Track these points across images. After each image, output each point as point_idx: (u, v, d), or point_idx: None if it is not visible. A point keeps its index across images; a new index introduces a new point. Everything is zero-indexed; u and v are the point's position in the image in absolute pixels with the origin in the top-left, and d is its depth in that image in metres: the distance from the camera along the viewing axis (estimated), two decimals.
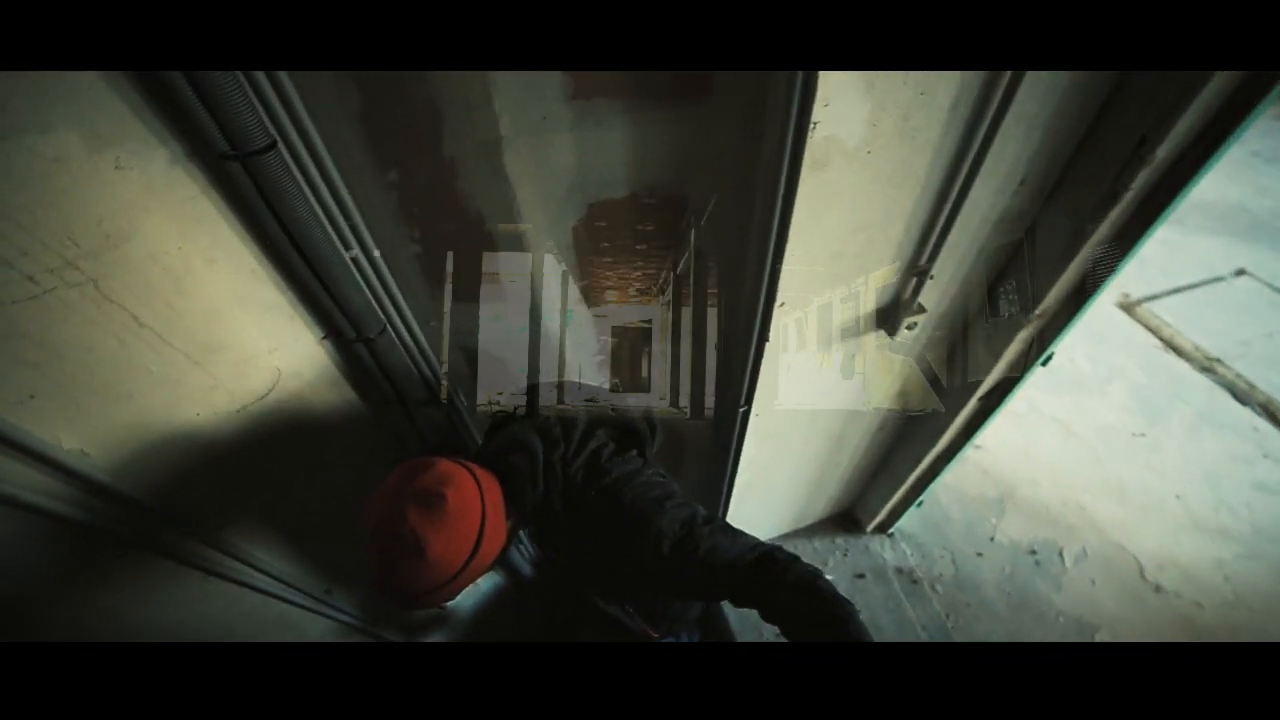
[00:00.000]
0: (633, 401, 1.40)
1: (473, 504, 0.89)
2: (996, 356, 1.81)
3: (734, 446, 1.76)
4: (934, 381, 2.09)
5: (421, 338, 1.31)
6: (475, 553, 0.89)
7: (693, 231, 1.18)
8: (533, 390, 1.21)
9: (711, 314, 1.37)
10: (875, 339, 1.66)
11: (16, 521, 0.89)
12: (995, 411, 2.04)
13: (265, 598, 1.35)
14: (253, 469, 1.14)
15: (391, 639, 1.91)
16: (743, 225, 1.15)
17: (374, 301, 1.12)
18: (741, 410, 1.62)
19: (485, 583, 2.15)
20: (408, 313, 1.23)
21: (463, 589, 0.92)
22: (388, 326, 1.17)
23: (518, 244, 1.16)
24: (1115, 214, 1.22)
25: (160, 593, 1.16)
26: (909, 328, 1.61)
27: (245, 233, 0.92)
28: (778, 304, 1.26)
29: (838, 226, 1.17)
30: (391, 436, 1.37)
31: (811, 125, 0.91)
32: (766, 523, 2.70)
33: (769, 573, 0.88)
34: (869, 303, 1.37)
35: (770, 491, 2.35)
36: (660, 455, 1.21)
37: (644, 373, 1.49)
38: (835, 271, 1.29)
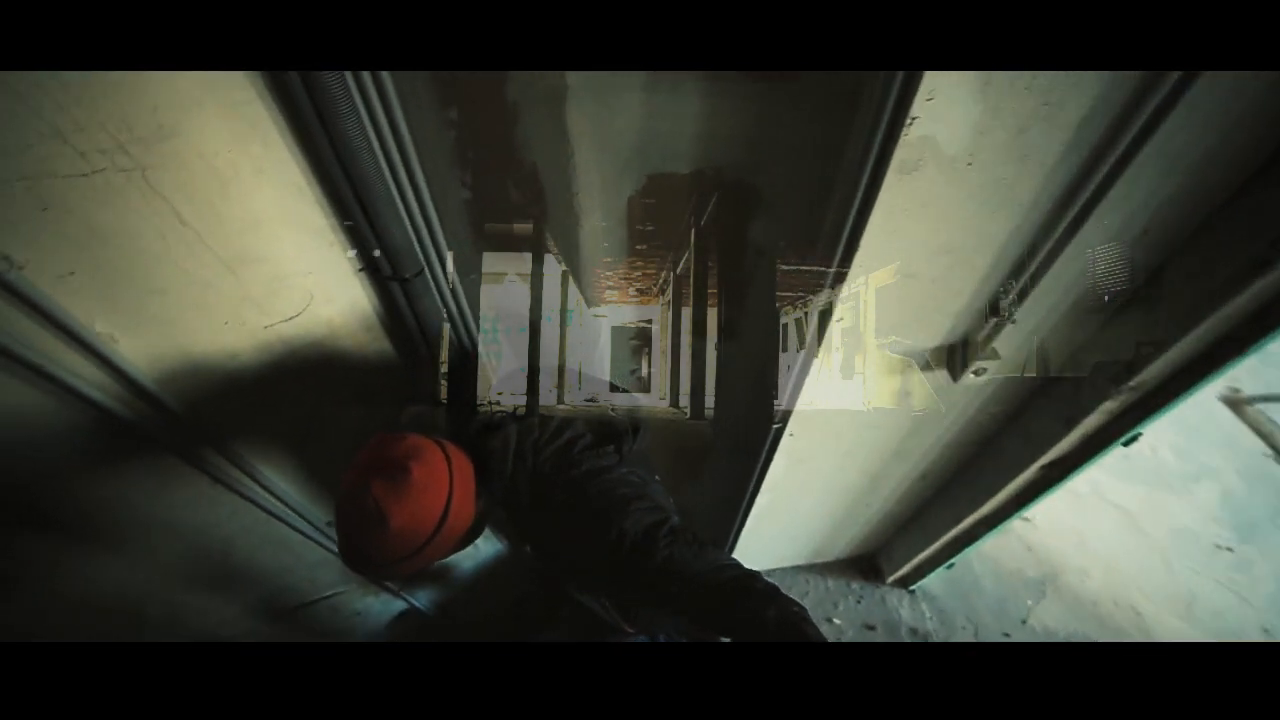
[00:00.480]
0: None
1: (439, 480, 0.88)
2: (1071, 425, 1.61)
3: (761, 463, 1.65)
4: (993, 438, 1.91)
5: (460, 290, 1.28)
6: (439, 529, 0.87)
7: (692, 233, 1.08)
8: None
9: (755, 319, 1.27)
10: (936, 379, 1.51)
11: (41, 394, 0.91)
12: (1056, 486, 1.84)
13: (268, 517, 1.37)
14: (272, 388, 1.15)
15: (387, 585, 1.92)
16: (810, 226, 1.05)
17: (415, 241, 1.09)
18: (775, 427, 1.52)
19: (487, 546, 2.14)
20: (449, 261, 1.20)
21: (428, 564, 0.91)
22: (425, 269, 1.14)
23: (568, 212, 1.11)
24: (1260, 286, 1.03)
25: (170, 490, 1.18)
26: (976, 373, 1.45)
27: (297, 147, 0.90)
28: (835, 318, 1.15)
29: (917, 244, 1.04)
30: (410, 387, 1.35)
31: (908, 120, 0.80)
32: (783, 550, 2.57)
33: (744, 604, 0.81)
34: (869, 307, 1.21)
35: (792, 519, 2.22)
36: (680, 459, 1.15)
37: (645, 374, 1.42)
38: (903, 294, 1.17)
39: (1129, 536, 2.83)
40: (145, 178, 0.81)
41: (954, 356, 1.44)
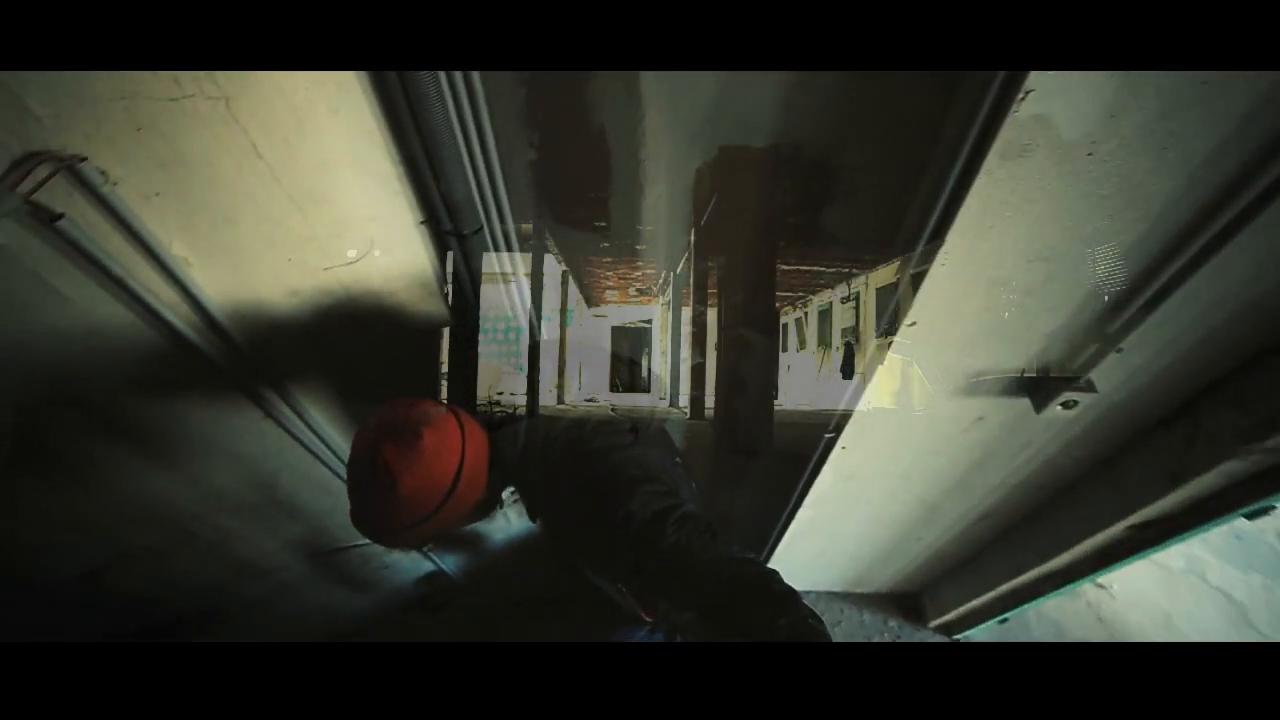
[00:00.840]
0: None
1: (451, 447, 0.86)
2: (1175, 483, 1.40)
3: (807, 473, 1.55)
4: (1075, 484, 1.70)
5: (518, 252, 1.28)
6: (449, 496, 0.85)
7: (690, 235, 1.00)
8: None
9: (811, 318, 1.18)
10: (1016, 408, 1.36)
11: (121, 307, 0.97)
12: (1145, 552, 1.61)
13: (312, 458, 1.42)
14: (326, 331, 1.18)
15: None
16: (890, 216, 0.96)
17: (477, 197, 1.09)
18: (827, 436, 1.42)
19: (520, 523, 2.15)
20: (510, 221, 1.19)
21: (437, 532, 0.89)
22: (484, 227, 1.14)
23: (634, 176, 1.06)
24: None
25: (225, 416, 1.24)
26: (1065, 405, 1.28)
27: (371, 91, 0.92)
28: (908, 322, 1.04)
29: (1012, 244, 0.92)
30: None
31: (1021, 94, 0.70)
32: (820, 574, 2.43)
33: (754, 607, 0.74)
34: (947, 314, 1.05)
35: (833, 539, 2.09)
36: (718, 456, 1.08)
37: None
38: (989, 303, 1.04)
39: (1235, 630, 2.45)
40: (228, 107, 0.84)
41: (1040, 384, 1.29)
